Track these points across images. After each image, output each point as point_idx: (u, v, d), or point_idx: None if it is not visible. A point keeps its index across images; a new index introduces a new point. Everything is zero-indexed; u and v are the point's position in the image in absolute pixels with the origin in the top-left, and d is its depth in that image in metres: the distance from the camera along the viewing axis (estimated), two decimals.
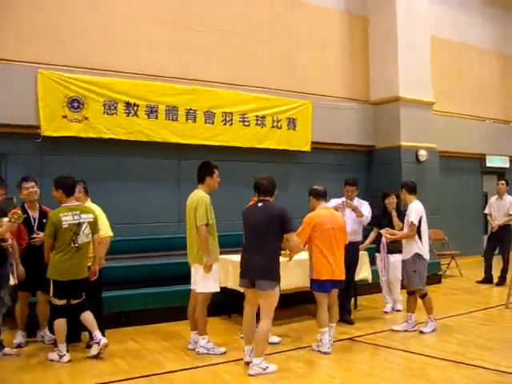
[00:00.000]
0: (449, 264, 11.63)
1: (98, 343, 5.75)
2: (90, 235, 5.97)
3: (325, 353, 5.90)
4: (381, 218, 8.05)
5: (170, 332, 7.02)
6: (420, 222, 6.90)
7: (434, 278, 10.52)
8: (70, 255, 5.76)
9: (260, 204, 5.69)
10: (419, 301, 6.98)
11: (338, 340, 6.51)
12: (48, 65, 8.46)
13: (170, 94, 9.31)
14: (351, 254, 6.86)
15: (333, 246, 6.11)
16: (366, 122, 11.69)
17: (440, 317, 7.50)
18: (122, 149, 9.00)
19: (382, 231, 7.40)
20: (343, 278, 6.18)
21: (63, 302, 5.79)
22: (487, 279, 10.38)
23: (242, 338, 6.06)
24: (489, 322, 7.39)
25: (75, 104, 8.57)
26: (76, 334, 6.33)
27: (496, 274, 10.29)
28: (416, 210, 6.91)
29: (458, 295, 9.49)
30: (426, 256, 6.95)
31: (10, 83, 8.13)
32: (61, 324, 5.74)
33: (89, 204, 6.49)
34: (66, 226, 5.75)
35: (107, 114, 8.80)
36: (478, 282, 10.47)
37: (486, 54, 14.76)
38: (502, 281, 10.02)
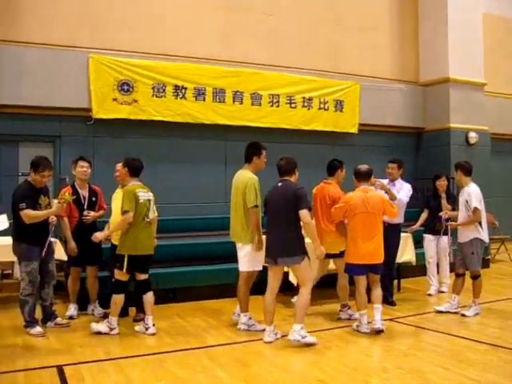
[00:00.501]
0: (498, 249, 11.42)
1: (146, 329, 6.00)
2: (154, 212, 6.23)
3: (364, 333, 5.98)
4: (430, 200, 8.00)
5: (214, 309, 7.23)
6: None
7: (483, 262, 10.26)
8: (144, 230, 6.01)
9: (280, 184, 5.86)
10: (466, 284, 6.95)
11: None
12: (99, 49, 8.77)
13: (217, 77, 9.45)
14: (389, 236, 6.81)
15: (365, 230, 6.05)
16: (414, 103, 11.51)
17: (485, 301, 7.44)
18: (170, 130, 9.25)
19: (442, 213, 7.33)
20: (378, 261, 6.11)
21: (127, 277, 6.02)
22: None
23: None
24: None
25: (125, 87, 8.83)
26: (125, 309, 6.56)
27: None
28: (476, 194, 6.82)
29: (505, 280, 9.36)
30: (486, 239, 6.89)
31: (64, 68, 8.50)
32: (120, 299, 5.98)
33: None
34: (142, 200, 5.99)
35: (156, 96, 9.03)
36: None
37: None
38: None
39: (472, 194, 6.79)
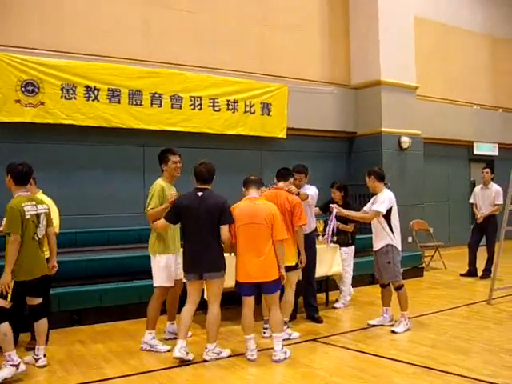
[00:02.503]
0: (432, 256, 11.13)
1: (36, 361, 5.24)
2: (45, 227, 5.39)
3: (249, 360, 5.33)
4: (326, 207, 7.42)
5: (123, 332, 6.53)
6: (390, 211, 6.43)
7: (416, 271, 10.09)
8: (32, 250, 5.14)
9: (200, 193, 5.37)
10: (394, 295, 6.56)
11: (302, 341, 6.02)
12: (0, 45, 7.89)
13: (133, 77, 8.75)
14: (306, 247, 6.31)
15: (249, 244, 5.37)
16: (346, 107, 11.12)
17: (416, 314, 7.09)
18: (82, 135, 8.50)
19: (333, 205, 6.81)
20: (268, 279, 5.35)
21: (9, 305, 5.00)
22: (471, 272, 9.90)
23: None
24: (468, 321, 6.87)
25: (30, 87, 8.02)
26: (14, 338, 5.74)
27: (481, 266, 9.78)
28: (389, 199, 6.45)
29: (438, 290, 8.97)
30: (399, 246, 6.52)
31: None
32: (6, 328, 4.98)
33: (41, 195, 5.93)
34: (28, 216, 5.11)
35: (65, 98, 8.26)
36: (461, 275, 9.99)
37: (474, 37, 14.17)
38: (486, 274, 9.49)
39: (385, 198, 6.41)
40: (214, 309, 5.37)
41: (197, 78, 9.31)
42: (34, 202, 5.26)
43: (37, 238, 5.21)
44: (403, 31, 11.02)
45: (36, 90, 8.05)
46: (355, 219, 6.95)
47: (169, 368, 5.17)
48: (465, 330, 6.42)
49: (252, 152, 9.98)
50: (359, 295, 8.29)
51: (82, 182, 8.49)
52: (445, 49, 13.27)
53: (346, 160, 11.27)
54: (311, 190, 6.92)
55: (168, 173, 5.93)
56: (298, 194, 6.44)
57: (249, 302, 5.47)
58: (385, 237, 6.42)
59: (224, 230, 5.31)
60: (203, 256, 5.30)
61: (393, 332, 6.29)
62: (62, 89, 8.21)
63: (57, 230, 5.90)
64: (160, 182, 5.85)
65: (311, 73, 10.82)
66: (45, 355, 5.28)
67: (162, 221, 5.53)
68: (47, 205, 5.51)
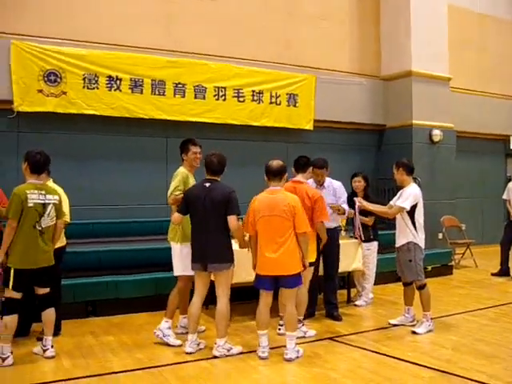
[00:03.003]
0: (463, 254, 10.75)
1: (44, 351, 5.20)
2: (55, 218, 5.34)
3: (259, 357, 5.17)
4: (349, 200, 7.17)
5: (137, 324, 6.44)
6: (415, 207, 6.14)
7: (445, 269, 9.74)
8: (34, 239, 5.10)
9: (208, 184, 5.31)
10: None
11: (318, 340, 5.82)
12: (23, 35, 7.88)
13: (156, 67, 8.64)
14: (326, 242, 6.12)
15: (268, 236, 5.18)
16: (375, 98, 10.79)
17: (441, 314, 6.82)
18: (104, 125, 8.43)
19: (356, 199, 6.62)
20: (286, 272, 5.14)
21: (19, 295, 5.08)
22: (503, 272, 9.48)
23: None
24: (495, 323, 6.54)
25: (52, 77, 7.98)
26: (26, 328, 5.78)
27: None
28: (414, 195, 6.16)
29: (467, 289, 8.61)
30: (422, 244, 6.21)
31: None
32: (11, 321, 5.03)
33: (51, 184, 5.85)
34: (31, 204, 5.07)
35: (87, 88, 8.20)
36: (492, 274, 9.58)
37: (511, 26, 13.54)
38: None
39: (410, 194, 6.13)
40: (222, 303, 5.26)
41: (221, 68, 9.14)
42: (42, 191, 5.20)
43: (39, 228, 5.13)
44: (436, 20, 10.61)
45: (58, 79, 8.01)
46: (377, 214, 6.69)
47: (176, 364, 5.04)
48: (490, 332, 6.10)
49: (278, 144, 9.74)
50: (383, 293, 8.04)
51: (103, 172, 8.43)
52: (480, 39, 12.75)
53: (374, 153, 10.94)
54: (341, 195, 6.77)
55: (188, 163, 5.89)
56: (344, 213, 6.52)
57: (266, 296, 5.29)
58: (407, 234, 6.15)
59: (231, 220, 5.19)
60: (208, 247, 5.24)
61: (413, 333, 6.02)
62: (84, 79, 8.16)
63: (68, 219, 5.82)
64: (183, 170, 5.82)
65: (339, 63, 10.51)
66: (52, 346, 5.22)
67: (176, 214, 5.47)
68: (59, 196, 5.44)
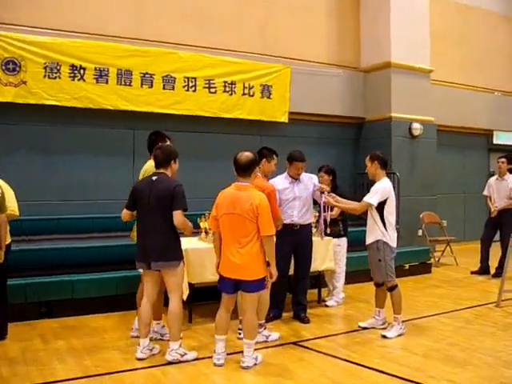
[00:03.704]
0: (443, 251, 10.46)
1: None
2: None
3: (214, 364, 4.85)
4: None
5: (92, 327, 6.06)
6: (384, 203, 5.79)
7: (423, 267, 9.45)
8: None
9: (154, 177, 5.00)
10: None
11: (281, 344, 5.49)
12: None
13: (122, 56, 8.21)
14: (301, 239, 5.92)
15: (230, 235, 4.81)
16: (354, 91, 10.44)
17: (415, 316, 6.54)
18: (66, 117, 8.01)
19: (324, 193, 6.14)
20: (246, 277, 4.75)
21: None
22: (483, 270, 9.20)
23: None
24: (470, 325, 6.23)
25: (10, 66, 7.55)
26: None
27: (494, 264, 9.04)
28: (383, 190, 5.82)
29: (445, 288, 8.30)
30: (392, 243, 5.86)
31: None
32: None
33: None
34: None
35: (48, 77, 7.76)
36: (472, 272, 9.30)
37: (494, 18, 13.18)
38: (499, 272, 8.66)
39: (379, 189, 5.81)
40: (174, 303, 4.94)
41: (191, 58, 8.74)
42: None
43: None
44: (417, 10, 10.26)
45: (17, 68, 7.59)
46: (344, 210, 6.37)
47: (123, 371, 4.67)
48: (465, 336, 5.79)
49: (252, 137, 9.37)
50: (355, 292, 7.72)
51: (65, 166, 8.02)
52: (463, 30, 12.38)
53: (352, 147, 10.59)
54: (315, 180, 6.46)
55: None
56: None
57: (228, 299, 4.94)
58: (376, 231, 5.81)
59: (176, 215, 4.86)
60: (150, 244, 4.94)
61: (383, 337, 5.70)
62: (45, 67, 7.73)
63: (16, 213, 5.49)
64: (152, 163, 5.36)
65: (317, 54, 10.14)
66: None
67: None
68: (1, 189, 5.06)
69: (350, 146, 10.57)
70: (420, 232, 10.15)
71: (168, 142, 5.63)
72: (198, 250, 6.19)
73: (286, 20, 9.83)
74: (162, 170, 5.04)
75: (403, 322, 5.88)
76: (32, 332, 5.82)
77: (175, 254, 4.99)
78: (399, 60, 9.96)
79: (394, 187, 9.42)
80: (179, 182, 5.04)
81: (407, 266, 9.03)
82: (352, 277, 7.83)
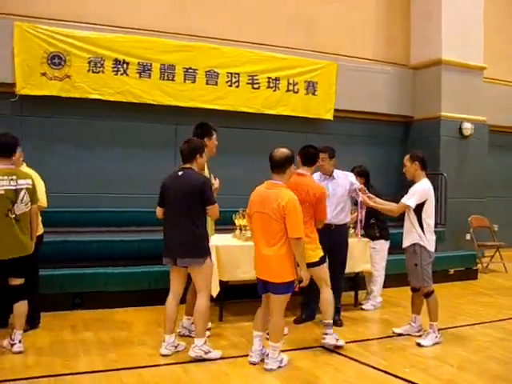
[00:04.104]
0: (492, 257, 10.03)
1: (11, 346, 4.91)
2: (30, 204, 5.03)
3: (248, 362, 4.80)
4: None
5: (119, 321, 6.10)
6: (422, 206, 5.55)
7: (469, 272, 9.07)
8: (6, 229, 4.81)
9: (180, 173, 4.97)
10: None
11: (309, 347, 5.34)
12: (26, 17, 7.61)
13: (165, 51, 8.27)
14: (336, 239, 5.80)
15: (259, 235, 4.73)
16: (403, 88, 10.11)
17: (454, 324, 6.27)
18: (109, 111, 8.12)
19: (359, 195, 6.02)
20: (271, 279, 4.66)
21: None
22: None
23: None
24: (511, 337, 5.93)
25: (56, 60, 7.72)
26: (4, 319, 5.53)
27: None
28: (422, 191, 5.58)
29: (490, 296, 7.94)
30: (430, 247, 5.59)
31: None
32: None
33: (25, 169, 5.56)
34: (2, 192, 4.79)
35: (92, 71, 7.90)
36: None
37: None
38: None
39: (418, 190, 5.58)
40: (199, 301, 4.89)
41: (235, 53, 8.69)
42: (13, 177, 4.89)
43: (11, 216, 4.83)
44: (470, 4, 9.82)
45: (62, 62, 7.74)
46: (381, 211, 6.12)
47: (144, 367, 4.66)
48: (506, 349, 5.46)
49: (296, 134, 9.21)
50: (394, 297, 7.47)
51: (106, 159, 8.13)
52: None
53: (401, 146, 10.24)
54: (352, 178, 6.29)
55: (208, 150, 5.41)
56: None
57: (265, 297, 4.86)
58: (413, 235, 5.58)
59: (212, 210, 4.92)
60: (176, 240, 4.90)
61: (418, 345, 5.46)
62: (89, 62, 7.86)
63: (45, 205, 5.53)
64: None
65: (364, 51, 9.87)
66: (20, 341, 4.93)
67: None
68: (32, 179, 5.12)
69: (397, 145, 10.25)
70: (468, 236, 9.76)
71: (214, 135, 5.60)
72: (229, 248, 6.13)
73: (332, 15, 9.62)
74: (187, 165, 4.99)
75: (440, 330, 5.63)
76: (63, 322, 5.90)
77: (201, 251, 4.92)
78: (451, 57, 9.58)
79: (441, 189, 9.28)
80: (205, 177, 5.02)
81: (452, 271, 8.71)
82: (391, 280, 7.57)
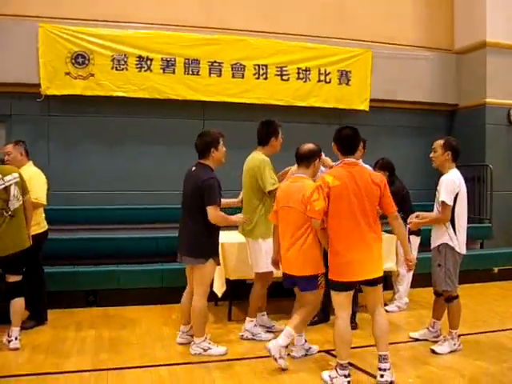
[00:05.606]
0: None
1: (8, 342, 4.97)
2: (21, 197, 5.08)
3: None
4: None
5: (128, 318, 6.08)
6: (455, 200, 4.99)
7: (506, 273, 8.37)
8: (3, 227, 4.90)
9: (194, 168, 5.00)
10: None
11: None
12: (49, 18, 7.73)
13: (189, 45, 8.16)
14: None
15: (284, 228, 4.75)
16: (445, 75, 9.48)
17: (481, 329, 5.77)
18: (134, 108, 8.10)
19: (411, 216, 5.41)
20: (295, 273, 4.65)
21: None
22: None
23: None
24: None
25: (80, 59, 7.80)
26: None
27: None
28: (452, 183, 4.97)
29: None
30: (460, 248, 5.04)
31: (10, 40, 7.52)
32: None
33: (29, 167, 5.67)
34: None
35: (116, 69, 7.93)
36: None
37: None
38: None
39: (444, 183, 5.01)
40: (195, 300, 4.87)
41: (261, 45, 8.45)
42: (5, 172, 4.94)
43: (7, 214, 4.89)
44: None
45: (86, 61, 7.81)
46: (433, 224, 5.25)
47: (136, 367, 4.60)
48: None
49: (329, 126, 8.81)
50: (423, 298, 6.94)
51: (133, 156, 8.13)
52: None
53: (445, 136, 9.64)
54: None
55: (273, 148, 5.43)
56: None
57: (296, 292, 4.93)
58: (443, 234, 5.03)
59: (208, 211, 4.72)
60: (181, 238, 4.98)
61: (432, 351, 5.06)
62: (112, 60, 7.89)
63: (44, 202, 5.54)
64: (264, 157, 5.31)
65: (401, 36, 9.29)
66: (17, 338, 4.98)
67: None
68: (19, 173, 5.12)
69: (441, 135, 9.56)
70: None
71: (280, 133, 5.49)
72: (236, 245, 5.90)
73: (366, 0, 9.14)
74: (202, 161, 4.93)
75: (466, 335, 5.20)
76: (70, 320, 5.94)
77: (202, 251, 4.84)
78: (496, 39, 8.87)
79: (486, 181, 8.66)
80: (211, 174, 4.83)
81: (496, 270, 8.10)
82: (421, 280, 7.08)
